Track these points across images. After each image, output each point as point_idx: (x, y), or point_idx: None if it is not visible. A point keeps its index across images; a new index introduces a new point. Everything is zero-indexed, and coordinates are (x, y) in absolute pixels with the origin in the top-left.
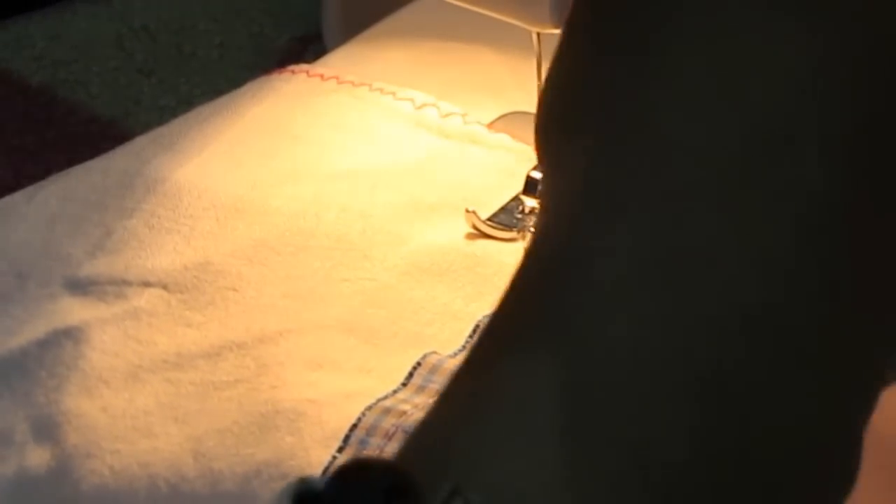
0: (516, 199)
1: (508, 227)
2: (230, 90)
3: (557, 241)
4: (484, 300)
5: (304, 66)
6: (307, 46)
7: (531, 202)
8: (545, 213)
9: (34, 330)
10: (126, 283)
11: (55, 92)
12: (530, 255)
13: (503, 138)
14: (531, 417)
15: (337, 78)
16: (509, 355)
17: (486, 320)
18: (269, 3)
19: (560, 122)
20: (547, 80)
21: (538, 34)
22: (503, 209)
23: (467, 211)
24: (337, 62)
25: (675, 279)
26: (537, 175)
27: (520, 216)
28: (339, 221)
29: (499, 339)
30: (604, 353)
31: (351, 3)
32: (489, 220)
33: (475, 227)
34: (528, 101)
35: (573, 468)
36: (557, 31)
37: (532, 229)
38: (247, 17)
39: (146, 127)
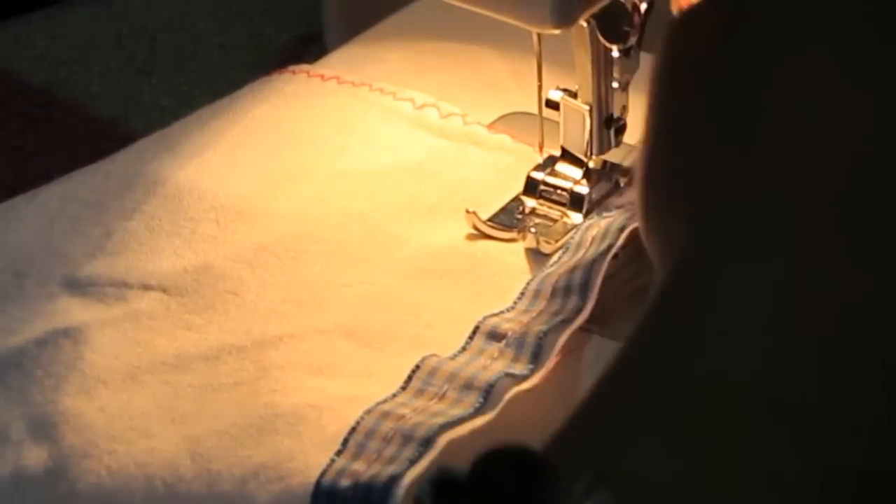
0: (516, 199)
1: (509, 228)
2: (230, 90)
3: (680, 289)
4: (484, 301)
5: (304, 67)
6: (308, 46)
7: (531, 203)
8: (662, 266)
9: (32, 329)
10: (126, 285)
11: (55, 92)
12: (654, 309)
13: (503, 139)
14: (666, 418)
15: (337, 78)
16: (647, 366)
17: (485, 321)
18: (270, 3)
19: (669, 183)
20: (650, 142)
21: (538, 35)
22: (503, 210)
23: (467, 211)
24: (337, 62)
25: (802, 332)
26: (538, 175)
27: (520, 217)
28: (339, 225)
29: (636, 356)
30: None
31: (351, 3)
32: (489, 220)
33: (475, 228)
34: (529, 102)
35: (704, 466)
36: (557, 32)
37: (532, 229)
38: (247, 17)
39: (146, 127)
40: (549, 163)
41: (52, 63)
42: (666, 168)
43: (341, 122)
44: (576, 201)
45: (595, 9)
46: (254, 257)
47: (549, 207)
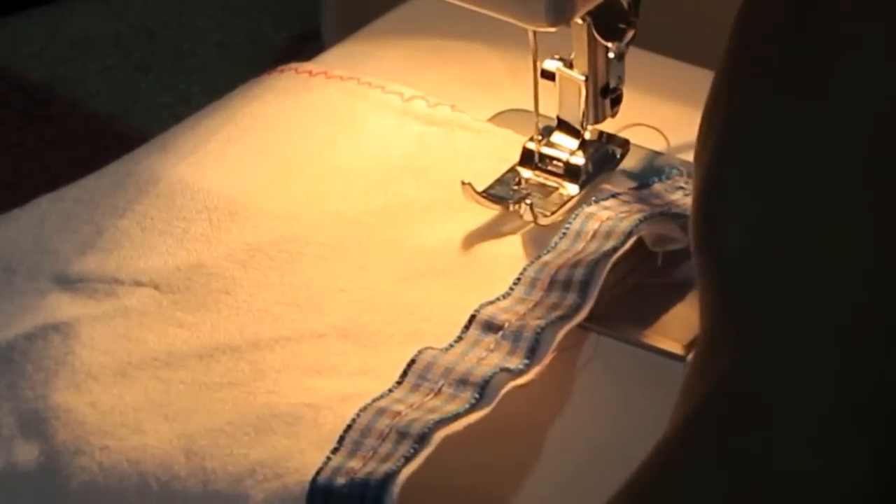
0: (512, 170)
1: (505, 199)
2: (228, 88)
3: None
4: (479, 292)
5: (293, 65)
6: (305, 44)
7: (527, 173)
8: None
9: (21, 324)
10: (117, 281)
11: (53, 89)
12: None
13: (489, 125)
14: None
15: (325, 73)
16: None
17: (482, 309)
18: (268, 1)
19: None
20: (709, 172)
21: (534, 33)
22: (499, 181)
23: (463, 183)
24: (334, 60)
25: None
26: (532, 146)
27: (516, 188)
28: (333, 229)
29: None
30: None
31: (349, 0)
32: (485, 191)
33: (472, 199)
34: (525, 100)
35: None
36: (553, 30)
37: (528, 201)
38: (245, 14)
39: (145, 124)
40: (545, 133)
41: (51, 60)
42: (719, 206)
43: (330, 115)
44: (571, 172)
45: (590, 6)
46: (247, 258)
47: (546, 178)
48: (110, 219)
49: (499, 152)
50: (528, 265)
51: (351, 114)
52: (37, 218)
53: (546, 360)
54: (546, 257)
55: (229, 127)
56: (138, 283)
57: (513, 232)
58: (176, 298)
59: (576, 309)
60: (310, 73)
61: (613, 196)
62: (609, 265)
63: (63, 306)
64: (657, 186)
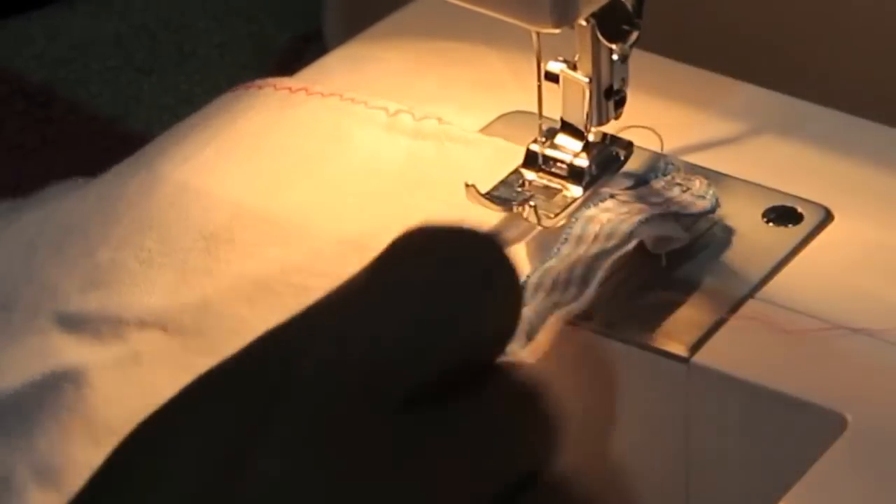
0: (516, 172)
1: (509, 201)
2: (230, 89)
3: None
4: None
5: (270, 80)
6: (308, 45)
7: (531, 175)
8: None
9: (28, 369)
10: (122, 321)
11: (54, 90)
12: None
13: (478, 135)
14: None
15: (306, 90)
16: None
17: None
18: (270, 2)
19: None
20: None
21: (538, 34)
22: (503, 182)
23: (467, 185)
24: (335, 62)
25: None
26: (536, 148)
27: (520, 189)
28: (336, 256)
29: None
30: None
31: (352, 2)
32: (489, 193)
33: (476, 202)
34: (529, 101)
35: None
36: (557, 31)
37: (532, 203)
38: (247, 15)
39: (146, 126)
40: (549, 135)
41: (52, 61)
42: None
43: (315, 132)
44: (575, 174)
45: (594, 7)
46: (253, 292)
47: (549, 180)
48: (105, 251)
49: (491, 161)
50: (532, 272)
51: (337, 130)
52: (25, 245)
53: (539, 346)
54: (548, 263)
55: (216, 143)
56: (144, 324)
57: (516, 240)
58: (185, 342)
59: (574, 297)
60: (289, 89)
61: (612, 196)
62: (610, 261)
63: (69, 349)
64: (655, 184)
